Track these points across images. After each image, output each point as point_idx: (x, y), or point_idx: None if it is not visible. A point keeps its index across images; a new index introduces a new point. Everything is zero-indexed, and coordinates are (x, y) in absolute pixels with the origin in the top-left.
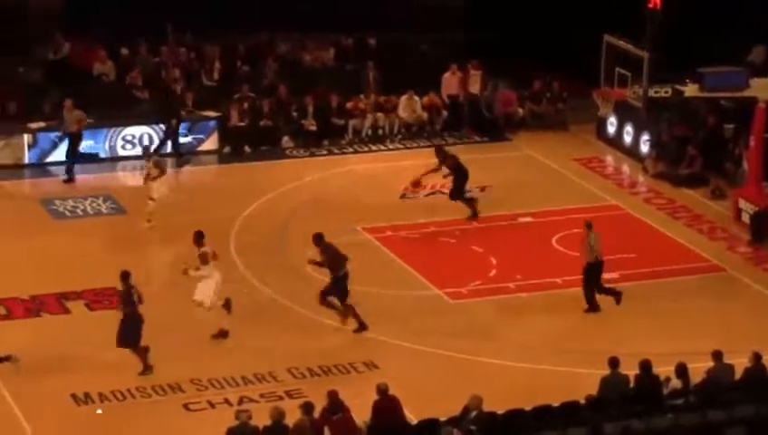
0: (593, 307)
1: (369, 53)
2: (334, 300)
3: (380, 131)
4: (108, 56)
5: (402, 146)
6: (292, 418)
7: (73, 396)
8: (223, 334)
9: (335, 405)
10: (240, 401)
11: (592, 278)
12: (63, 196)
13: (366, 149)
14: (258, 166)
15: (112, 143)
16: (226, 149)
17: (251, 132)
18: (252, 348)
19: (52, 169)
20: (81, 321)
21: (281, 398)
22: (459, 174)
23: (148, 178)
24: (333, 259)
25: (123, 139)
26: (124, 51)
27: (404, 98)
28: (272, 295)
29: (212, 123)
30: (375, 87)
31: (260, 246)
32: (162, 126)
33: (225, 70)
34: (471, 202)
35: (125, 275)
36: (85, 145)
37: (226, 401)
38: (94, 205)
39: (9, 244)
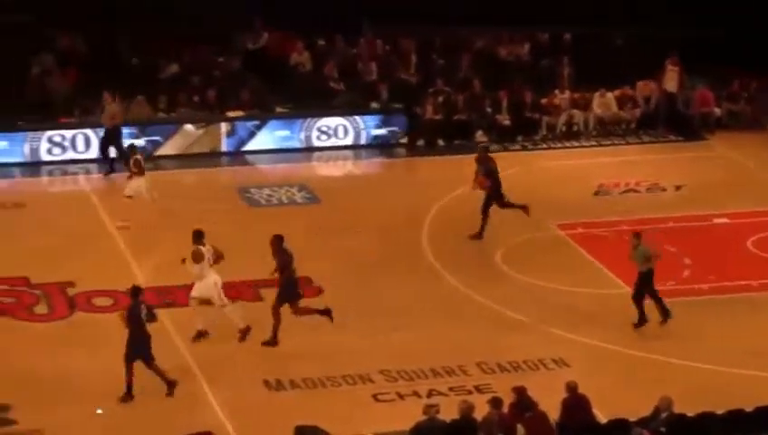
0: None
1: (564, 48)
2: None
3: (575, 127)
4: (305, 47)
5: (596, 143)
6: (481, 412)
7: (266, 382)
8: (203, 335)
9: (523, 401)
10: (429, 394)
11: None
12: (259, 184)
13: (560, 145)
14: (451, 160)
15: (308, 133)
16: (420, 142)
17: (445, 126)
18: (442, 341)
19: (249, 157)
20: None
21: (470, 392)
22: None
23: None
24: (284, 261)
25: (318, 129)
26: (321, 42)
27: (597, 94)
28: (462, 289)
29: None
30: (570, 83)
31: (451, 238)
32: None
33: (421, 63)
34: (485, 218)
35: (135, 292)
36: (277, 135)
37: (416, 394)
38: (289, 194)
39: (206, 231)
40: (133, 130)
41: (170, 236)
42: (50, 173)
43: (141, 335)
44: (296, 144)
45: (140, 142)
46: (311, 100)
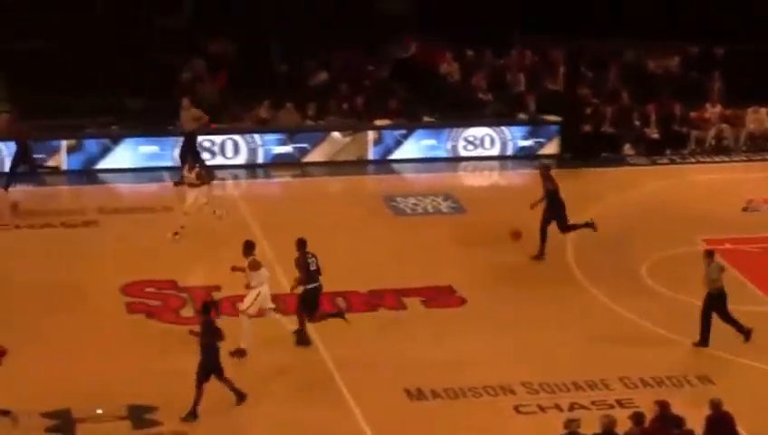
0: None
1: (715, 62)
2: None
3: (725, 142)
4: (454, 57)
5: (746, 158)
6: (623, 428)
7: (407, 391)
8: (240, 353)
9: (666, 415)
10: (571, 408)
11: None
12: (405, 193)
13: (708, 159)
14: (598, 172)
15: (454, 143)
16: (567, 155)
17: (593, 138)
18: (584, 354)
19: (396, 166)
20: (417, 317)
21: (611, 406)
22: (554, 202)
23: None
24: (305, 269)
25: (465, 139)
26: (470, 52)
27: (750, 110)
28: (606, 302)
29: (554, 128)
30: (720, 97)
31: (595, 251)
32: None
33: (570, 74)
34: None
35: (207, 307)
36: (424, 144)
37: (557, 407)
38: (434, 203)
39: (351, 238)
40: (281, 136)
41: (314, 243)
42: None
43: (211, 351)
44: (442, 154)
45: (288, 149)
46: (458, 110)
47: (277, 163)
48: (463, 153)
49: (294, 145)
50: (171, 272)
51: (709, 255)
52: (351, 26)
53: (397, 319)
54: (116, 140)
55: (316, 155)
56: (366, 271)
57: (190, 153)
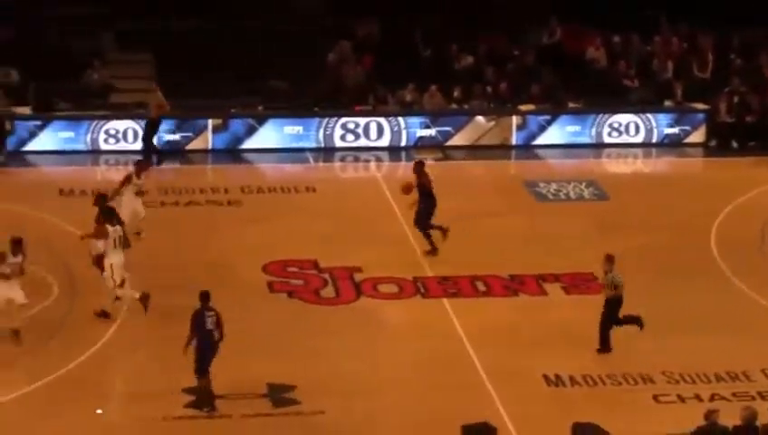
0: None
1: None
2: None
3: None
4: (601, 43)
5: None
6: (765, 419)
7: (545, 377)
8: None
9: None
10: (711, 398)
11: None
12: (547, 179)
13: None
14: (744, 162)
15: (599, 130)
16: (713, 143)
17: (739, 127)
18: (726, 345)
19: (539, 151)
20: (557, 303)
21: (753, 398)
22: (426, 199)
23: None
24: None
25: (610, 126)
26: (616, 38)
27: None
28: (751, 294)
29: (700, 116)
30: None
31: (741, 243)
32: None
33: (718, 62)
34: (429, 235)
35: (203, 297)
36: (568, 130)
37: (697, 397)
38: (577, 190)
39: (493, 222)
40: (425, 119)
41: (455, 227)
42: (342, 159)
43: (205, 345)
44: (586, 140)
45: (432, 132)
46: (603, 96)
47: (420, 146)
48: (607, 140)
49: (438, 128)
50: (313, 252)
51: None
52: (497, 11)
53: (537, 304)
54: (261, 120)
55: (459, 139)
56: (506, 256)
57: (145, 139)
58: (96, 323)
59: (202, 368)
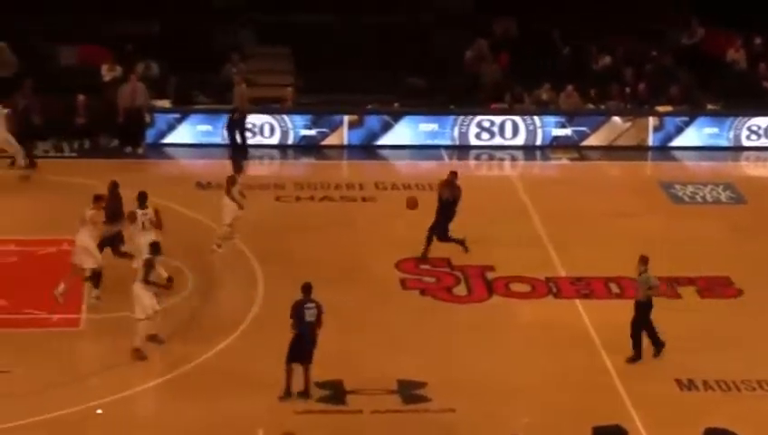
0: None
1: None
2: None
3: None
4: (741, 45)
5: None
6: None
7: (677, 381)
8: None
9: None
10: None
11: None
12: (684, 181)
13: None
14: None
15: (737, 132)
16: None
17: None
18: None
19: (676, 153)
20: (691, 306)
21: None
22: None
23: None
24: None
25: (748, 129)
26: (757, 40)
27: None
28: None
29: None
30: None
31: None
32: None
33: None
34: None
35: (305, 289)
36: (706, 132)
37: None
38: (714, 192)
39: (627, 223)
40: (561, 119)
41: (590, 227)
42: (476, 157)
43: (300, 338)
44: (724, 142)
45: (567, 132)
46: (743, 98)
47: (555, 145)
48: (745, 143)
49: (574, 128)
50: (445, 250)
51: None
52: (635, 12)
53: (670, 307)
54: (397, 117)
55: (595, 139)
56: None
57: (239, 134)
58: (230, 316)
59: (291, 357)
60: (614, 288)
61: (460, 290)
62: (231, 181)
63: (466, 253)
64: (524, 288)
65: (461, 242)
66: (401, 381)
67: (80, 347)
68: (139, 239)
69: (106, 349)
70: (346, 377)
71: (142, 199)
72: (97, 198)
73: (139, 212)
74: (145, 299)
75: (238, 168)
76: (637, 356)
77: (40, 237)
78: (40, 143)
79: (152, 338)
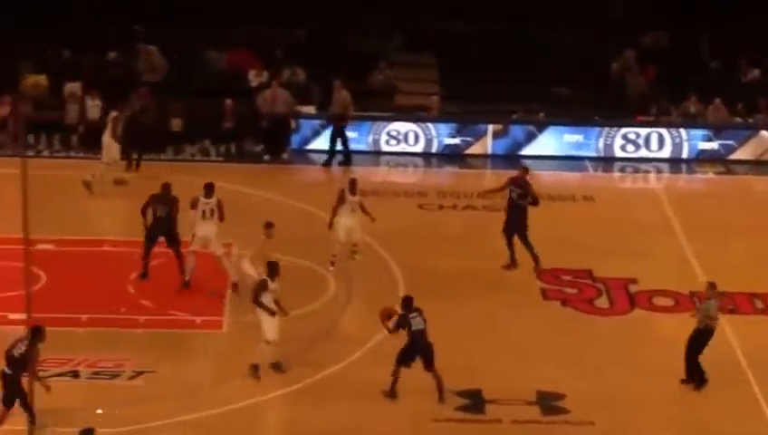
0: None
1: None
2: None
3: None
4: None
5: None
6: None
7: None
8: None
9: None
10: None
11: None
12: None
13: None
14: None
15: None
16: None
17: None
18: None
19: None
20: None
21: None
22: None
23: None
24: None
25: None
26: None
27: None
28: None
29: None
30: None
31: None
32: None
33: None
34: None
35: (405, 303)
36: None
37: None
38: None
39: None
40: (708, 132)
41: (734, 241)
42: (621, 169)
43: (413, 344)
44: None
45: (714, 145)
46: None
47: (702, 159)
48: None
49: (721, 142)
50: (588, 261)
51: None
52: None
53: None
54: (541, 127)
55: (742, 153)
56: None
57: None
58: (372, 320)
59: (401, 361)
60: (759, 304)
61: (602, 302)
62: (340, 198)
63: (537, 268)
64: (668, 302)
65: (536, 258)
66: (540, 391)
67: (221, 350)
68: (199, 227)
69: (247, 352)
70: (485, 386)
71: (209, 189)
72: (268, 226)
73: (203, 200)
74: (267, 324)
75: (352, 187)
76: (691, 380)
77: (185, 239)
78: (187, 147)
79: (275, 366)
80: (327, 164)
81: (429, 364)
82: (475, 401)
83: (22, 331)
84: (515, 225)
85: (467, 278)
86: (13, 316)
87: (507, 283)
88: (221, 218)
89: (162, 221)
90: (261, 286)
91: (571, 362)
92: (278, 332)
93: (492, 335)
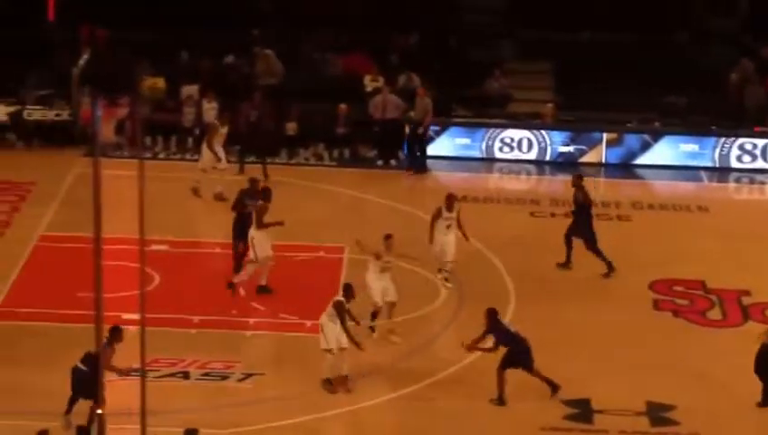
0: None
1: None
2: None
3: None
4: None
5: None
6: None
7: None
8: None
9: None
10: None
11: None
12: None
13: None
14: None
15: None
16: None
17: None
18: None
19: None
20: None
21: None
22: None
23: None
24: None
25: None
26: None
27: None
28: None
29: None
30: None
31: None
32: None
33: None
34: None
35: (490, 315)
36: None
37: None
38: None
39: None
40: None
41: None
42: (737, 180)
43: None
44: None
45: None
46: None
47: None
48: None
49: None
50: (701, 272)
51: None
52: None
53: None
54: (656, 136)
55: None
56: None
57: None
58: (479, 330)
59: (505, 366)
60: None
61: (714, 314)
62: (437, 214)
63: (610, 273)
64: None
65: (609, 264)
66: (650, 402)
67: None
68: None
69: (354, 358)
70: (594, 396)
71: (450, 202)
72: (387, 237)
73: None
74: (329, 332)
75: (449, 203)
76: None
77: (297, 243)
78: (301, 150)
79: (341, 381)
80: (409, 169)
81: (530, 367)
82: (583, 411)
83: (133, 330)
84: (574, 229)
85: (578, 286)
86: (126, 316)
87: (618, 293)
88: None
89: (249, 217)
90: (340, 308)
91: (682, 374)
92: (338, 341)
93: (601, 344)
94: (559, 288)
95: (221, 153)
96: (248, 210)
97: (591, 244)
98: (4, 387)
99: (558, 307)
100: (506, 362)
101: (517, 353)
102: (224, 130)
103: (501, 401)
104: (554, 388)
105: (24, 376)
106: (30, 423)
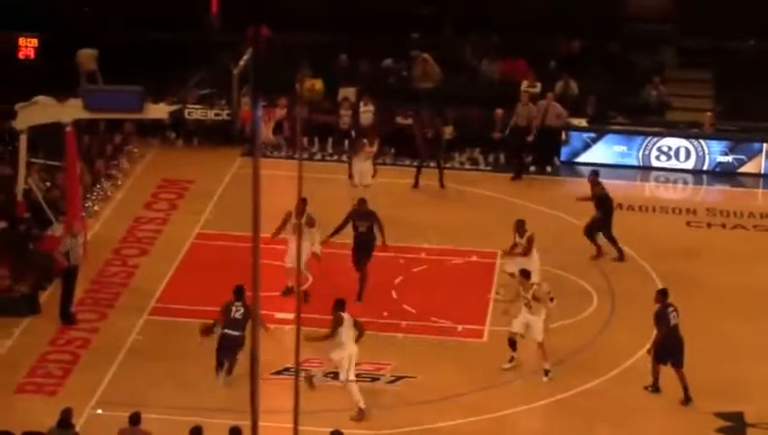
0: None
1: None
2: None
3: None
4: None
5: None
6: None
7: None
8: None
9: None
10: None
11: None
12: None
13: None
14: None
15: None
16: None
17: None
18: None
19: None
20: None
21: None
22: (603, 208)
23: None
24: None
25: None
26: None
27: None
28: None
29: None
30: None
31: None
32: None
33: None
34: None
35: (662, 294)
36: None
37: None
38: None
39: None
40: None
41: None
42: None
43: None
44: None
45: None
46: None
47: None
48: None
49: None
50: None
51: None
52: None
53: None
54: None
55: None
56: None
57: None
58: (628, 340)
59: (659, 357)
60: None
61: None
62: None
63: (620, 261)
64: None
65: (620, 251)
66: None
67: (481, 359)
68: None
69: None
70: (747, 409)
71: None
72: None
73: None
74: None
75: (519, 230)
76: None
77: (450, 247)
78: (456, 155)
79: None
80: (517, 177)
81: (680, 362)
82: (736, 424)
83: (288, 329)
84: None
85: (734, 298)
86: (279, 315)
87: None
88: (311, 225)
89: (363, 236)
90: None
91: None
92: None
93: (756, 356)
94: (711, 298)
95: (359, 171)
96: (361, 230)
97: (608, 233)
98: (154, 382)
99: (709, 317)
100: (660, 354)
101: (671, 347)
102: (371, 149)
103: (655, 387)
104: (688, 399)
105: (173, 372)
106: (181, 419)
